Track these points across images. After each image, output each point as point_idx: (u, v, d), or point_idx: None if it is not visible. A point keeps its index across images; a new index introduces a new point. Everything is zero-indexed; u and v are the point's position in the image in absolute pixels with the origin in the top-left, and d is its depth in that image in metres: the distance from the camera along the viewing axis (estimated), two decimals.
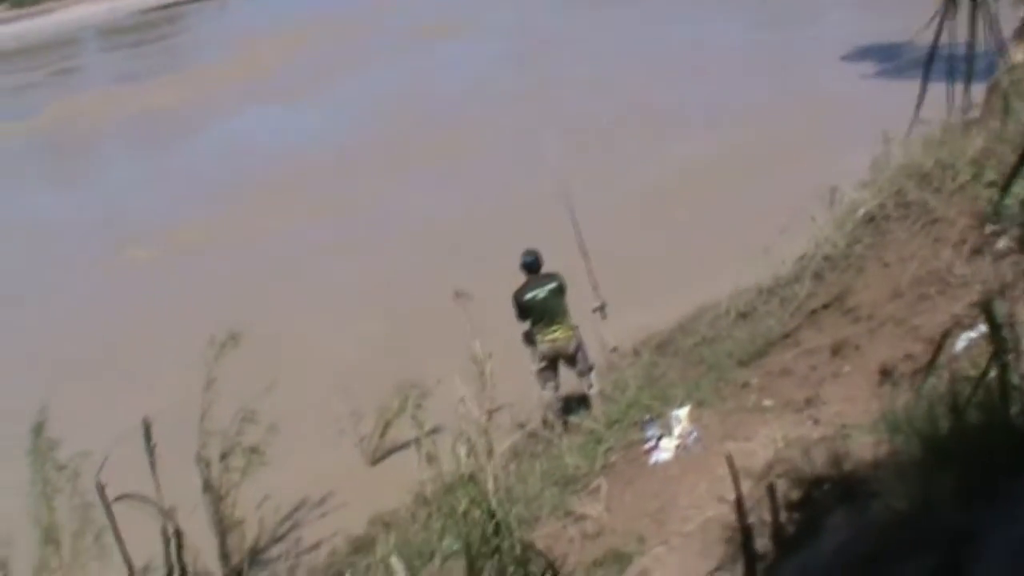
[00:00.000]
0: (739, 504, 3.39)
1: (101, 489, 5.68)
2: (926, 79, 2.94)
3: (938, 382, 4.52)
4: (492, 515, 4.50)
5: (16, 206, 22.13)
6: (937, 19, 2.83)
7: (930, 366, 3.66)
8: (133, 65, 34.85)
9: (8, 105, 33.56)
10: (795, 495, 3.75)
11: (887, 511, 2.95)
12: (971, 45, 2.81)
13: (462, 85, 24.80)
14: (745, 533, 3.36)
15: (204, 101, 27.66)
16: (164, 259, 16.69)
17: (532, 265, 9.12)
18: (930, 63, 2.83)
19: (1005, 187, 5.04)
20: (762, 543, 3.70)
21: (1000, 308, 6.27)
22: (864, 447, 4.01)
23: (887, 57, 19.36)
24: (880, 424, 4.84)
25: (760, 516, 3.96)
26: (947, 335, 4.45)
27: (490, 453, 4.81)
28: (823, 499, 3.52)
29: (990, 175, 7.29)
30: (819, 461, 3.95)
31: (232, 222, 17.73)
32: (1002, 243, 6.62)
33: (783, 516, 3.52)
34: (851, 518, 3.09)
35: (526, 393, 9.03)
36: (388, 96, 24.68)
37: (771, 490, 3.45)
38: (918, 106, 3.04)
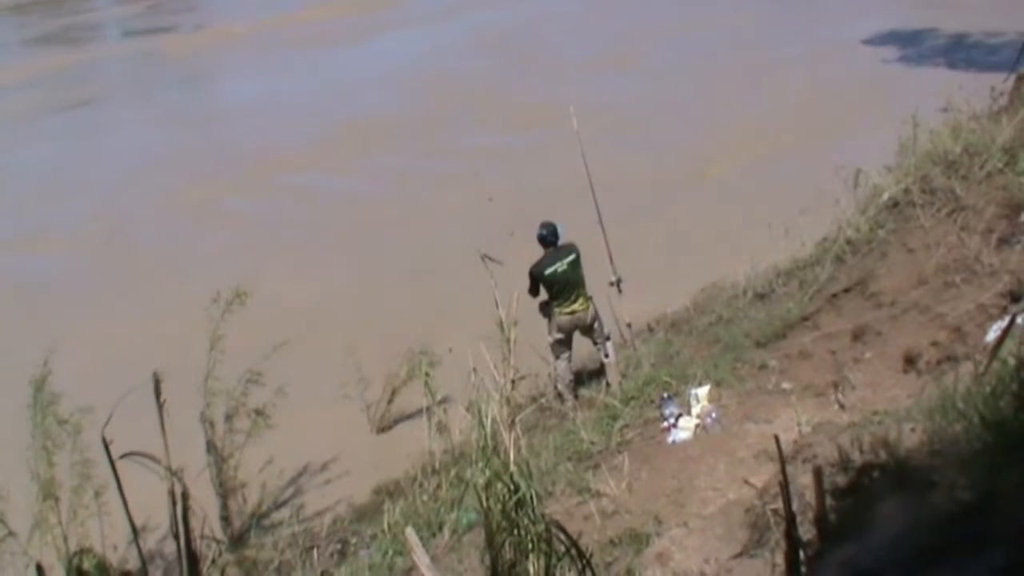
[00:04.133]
0: (784, 488, 3.23)
1: (107, 445, 5.50)
2: None
3: (976, 370, 4.39)
4: (515, 489, 4.36)
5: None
6: None
7: (995, 351, 3.50)
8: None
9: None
10: (840, 480, 3.60)
11: (950, 502, 2.80)
12: None
13: None
14: (790, 520, 3.21)
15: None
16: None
17: (549, 238, 8.92)
18: None
19: None
20: (801, 530, 3.56)
21: None
22: (908, 434, 3.85)
23: (908, 43, 19.15)
24: (916, 410, 4.70)
25: (797, 502, 3.81)
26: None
27: (512, 424, 4.65)
28: (872, 487, 3.36)
29: None
30: (864, 445, 3.79)
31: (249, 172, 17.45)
32: None
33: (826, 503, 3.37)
34: (907, 508, 2.93)
35: (536, 365, 8.86)
36: None
37: (817, 474, 3.30)
38: None
